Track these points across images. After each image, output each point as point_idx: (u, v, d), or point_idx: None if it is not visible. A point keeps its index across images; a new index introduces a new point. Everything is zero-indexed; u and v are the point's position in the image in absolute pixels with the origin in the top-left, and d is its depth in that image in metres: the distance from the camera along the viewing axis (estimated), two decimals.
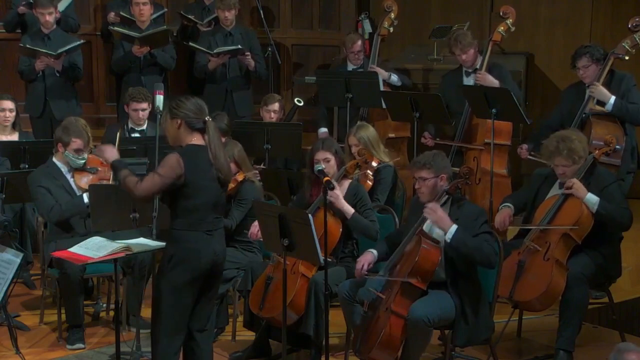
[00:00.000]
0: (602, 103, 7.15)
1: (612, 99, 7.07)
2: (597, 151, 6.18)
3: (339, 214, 6.04)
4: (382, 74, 8.48)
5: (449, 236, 5.47)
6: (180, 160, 5.02)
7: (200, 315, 5.25)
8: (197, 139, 5.12)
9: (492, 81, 7.83)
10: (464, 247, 5.45)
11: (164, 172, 5.05)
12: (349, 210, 6.03)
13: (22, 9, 8.82)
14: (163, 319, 5.12)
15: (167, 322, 5.12)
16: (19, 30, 9.06)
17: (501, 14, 8.12)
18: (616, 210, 5.98)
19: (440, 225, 5.52)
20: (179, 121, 5.11)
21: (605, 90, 7.11)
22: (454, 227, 5.48)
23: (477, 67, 7.98)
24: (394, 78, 8.59)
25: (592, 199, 5.94)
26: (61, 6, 8.98)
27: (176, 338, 5.15)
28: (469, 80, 8.02)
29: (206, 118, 5.11)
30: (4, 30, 9.49)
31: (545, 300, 5.91)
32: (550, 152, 6.07)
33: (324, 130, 8.68)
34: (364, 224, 6.03)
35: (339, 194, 6.02)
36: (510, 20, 8.04)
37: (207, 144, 5.09)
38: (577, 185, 5.97)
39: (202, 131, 5.11)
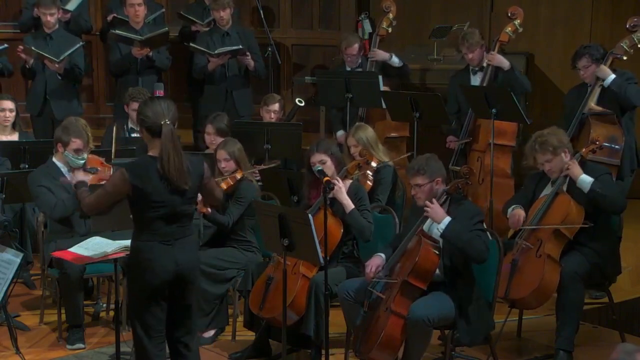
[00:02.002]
0: (604, 104, 7.16)
1: (612, 76, 7.11)
2: (584, 149, 6.23)
3: (339, 212, 6.04)
4: (384, 55, 8.51)
5: (441, 227, 5.50)
6: (126, 175, 4.82)
7: (179, 325, 5.04)
8: (157, 148, 4.87)
9: (502, 60, 7.87)
10: (456, 240, 5.47)
11: (109, 187, 4.93)
12: (349, 205, 6.02)
13: (37, 11, 8.82)
14: (136, 321, 4.97)
15: (140, 324, 4.95)
16: (34, 30, 9.06)
17: (509, 14, 8.12)
18: (610, 189, 6.02)
19: (434, 217, 5.55)
20: (140, 128, 4.97)
21: (606, 68, 7.15)
22: (447, 219, 5.51)
23: (484, 65, 7.99)
24: (395, 60, 8.60)
25: (586, 178, 5.99)
26: (71, 5, 8.98)
27: (153, 335, 4.96)
28: (475, 79, 8.04)
29: (163, 122, 4.79)
30: (6, 31, 9.49)
31: (539, 296, 5.92)
32: (529, 153, 6.18)
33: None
34: (361, 223, 6.02)
35: (342, 186, 6.03)
36: (518, 21, 8.04)
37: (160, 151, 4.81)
38: (573, 165, 6.03)
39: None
